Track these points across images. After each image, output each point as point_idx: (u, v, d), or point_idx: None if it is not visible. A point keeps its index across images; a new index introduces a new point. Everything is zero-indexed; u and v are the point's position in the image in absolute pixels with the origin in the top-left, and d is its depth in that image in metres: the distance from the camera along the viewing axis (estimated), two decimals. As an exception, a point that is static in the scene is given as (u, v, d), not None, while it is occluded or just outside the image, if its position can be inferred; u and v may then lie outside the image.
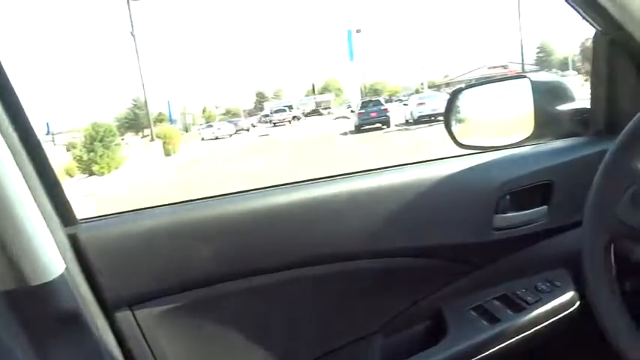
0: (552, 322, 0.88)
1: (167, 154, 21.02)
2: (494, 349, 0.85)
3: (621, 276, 0.90)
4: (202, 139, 31.86)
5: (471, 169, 0.96)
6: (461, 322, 0.90)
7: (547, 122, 1.06)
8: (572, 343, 0.98)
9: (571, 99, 1.08)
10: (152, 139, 21.73)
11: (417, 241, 0.92)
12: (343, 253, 0.89)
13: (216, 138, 30.72)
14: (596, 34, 1.00)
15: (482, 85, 1.21)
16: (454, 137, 1.22)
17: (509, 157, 1.00)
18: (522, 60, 30.13)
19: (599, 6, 0.92)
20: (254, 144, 22.02)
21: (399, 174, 0.95)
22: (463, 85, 1.23)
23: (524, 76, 1.09)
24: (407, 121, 20.60)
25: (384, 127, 20.37)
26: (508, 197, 0.93)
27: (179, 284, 0.84)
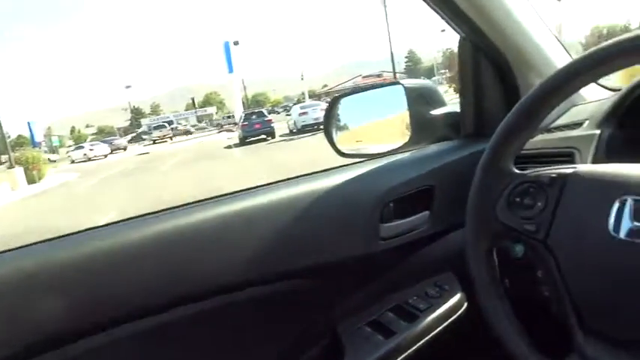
0: (445, 326, 0.88)
1: (31, 180, 18.90)
2: None
3: (501, 273, 0.92)
4: (72, 162, 29.42)
5: (353, 179, 0.92)
6: (357, 340, 0.86)
7: (423, 127, 1.07)
8: (465, 344, 0.99)
9: (442, 103, 1.11)
10: (11, 166, 19.33)
11: (304, 261, 0.86)
12: (223, 285, 0.80)
13: (89, 159, 28.57)
14: (460, 39, 1.03)
15: (358, 92, 1.20)
16: (335, 147, 1.20)
17: (390, 164, 0.99)
18: (394, 69, 32.26)
19: (461, 13, 0.94)
20: (133, 163, 20.73)
21: (276, 192, 0.88)
22: (340, 94, 1.21)
23: (398, 83, 1.09)
24: (291, 130, 20.91)
25: (269, 138, 20.50)
26: (392, 205, 0.91)
27: (23, 348, 0.68)
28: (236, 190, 0.92)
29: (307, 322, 0.90)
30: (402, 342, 0.84)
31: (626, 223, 0.53)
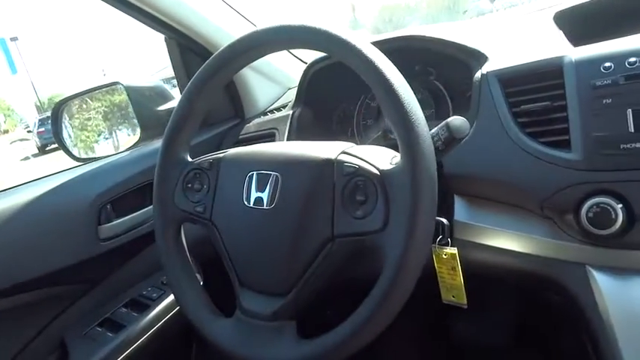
0: (177, 311, 0.93)
1: None
2: (120, 358, 0.85)
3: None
4: None
5: (65, 185, 0.92)
6: (82, 343, 0.87)
7: (151, 124, 1.10)
8: None
9: (169, 98, 1.15)
10: None
11: (19, 276, 0.83)
12: None
13: None
14: (166, 38, 1.08)
15: (82, 95, 1.17)
16: (69, 151, 1.16)
17: (110, 164, 1.00)
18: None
19: (156, 19, 0.99)
20: None
21: None
22: (62, 99, 1.17)
23: (118, 82, 1.10)
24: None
25: (75, 142, 18.52)
26: (109, 206, 0.93)
27: None
28: None
29: (32, 339, 0.87)
30: (129, 334, 0.87)
31: (253, 194, 0.64)
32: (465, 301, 0.71)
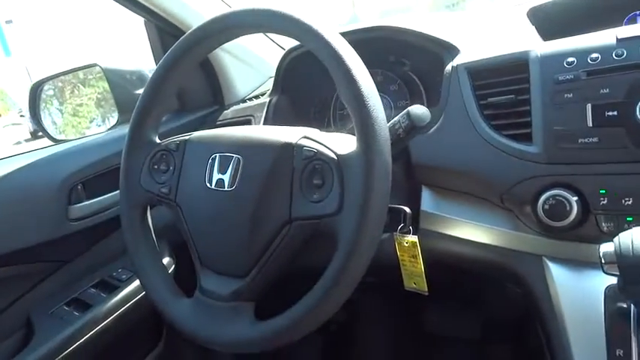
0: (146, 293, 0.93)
1: None
2: (86, 337, 0.85)
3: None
4: None
5: (36, 163, 0.91)
6: (48, 321, 0.87)
7: (130, 106, 1.10)
8: None
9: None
10: None
11: None
12: None
13: None
14: (145, 21, 1.08)
15: (60, 75, 1.17)
16: (47, 132, 1.16)
17: (85, 145, 1.00)
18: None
19: (134, 1, 0.98)
20: None
21: None
22: (39, 80, 1.16)
23: (96, 64, 1.10)
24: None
25: (68, 128, 18.44)
26: (80, 186, 0.93)
27: None
28: None
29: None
30: (97, 313, 0.87)
31: (215, 175, 0.64)
32: (425, 288, 0.72)
